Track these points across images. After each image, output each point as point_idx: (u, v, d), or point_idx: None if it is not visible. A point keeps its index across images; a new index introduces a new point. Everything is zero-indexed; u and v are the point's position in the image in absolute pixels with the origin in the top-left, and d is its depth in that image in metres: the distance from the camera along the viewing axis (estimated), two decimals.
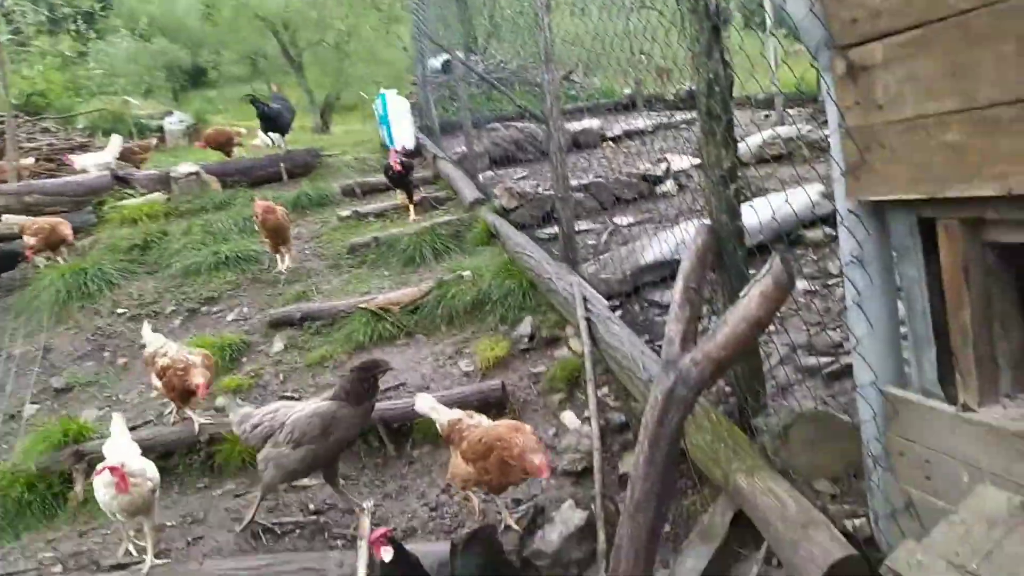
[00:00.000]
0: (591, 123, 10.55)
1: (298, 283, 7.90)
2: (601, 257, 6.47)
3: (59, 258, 9.08)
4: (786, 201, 4.85)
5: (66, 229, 8.98)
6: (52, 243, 8.95)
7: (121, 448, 4.29)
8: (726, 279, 3.86)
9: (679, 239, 5.61)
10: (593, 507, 4.00)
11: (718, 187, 3.70)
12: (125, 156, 12.66)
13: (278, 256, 8.09)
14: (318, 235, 9.17)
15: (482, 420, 4.15)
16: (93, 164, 11.75)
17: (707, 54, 3.50)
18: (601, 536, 3.87)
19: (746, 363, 3.94)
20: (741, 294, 3.21)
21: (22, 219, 9.44)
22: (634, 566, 3.37)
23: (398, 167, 8.81)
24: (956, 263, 2.37)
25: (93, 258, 9.03)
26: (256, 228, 8.27)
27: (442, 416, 4.25)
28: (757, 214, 3.91)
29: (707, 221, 3.79)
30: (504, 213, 7.84)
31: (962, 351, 2.43)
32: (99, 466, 4.04)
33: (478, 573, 3.40)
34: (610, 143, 10.37)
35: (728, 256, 3.77)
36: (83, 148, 14.60)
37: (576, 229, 6.75)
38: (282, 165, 11.48)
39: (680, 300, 3.58)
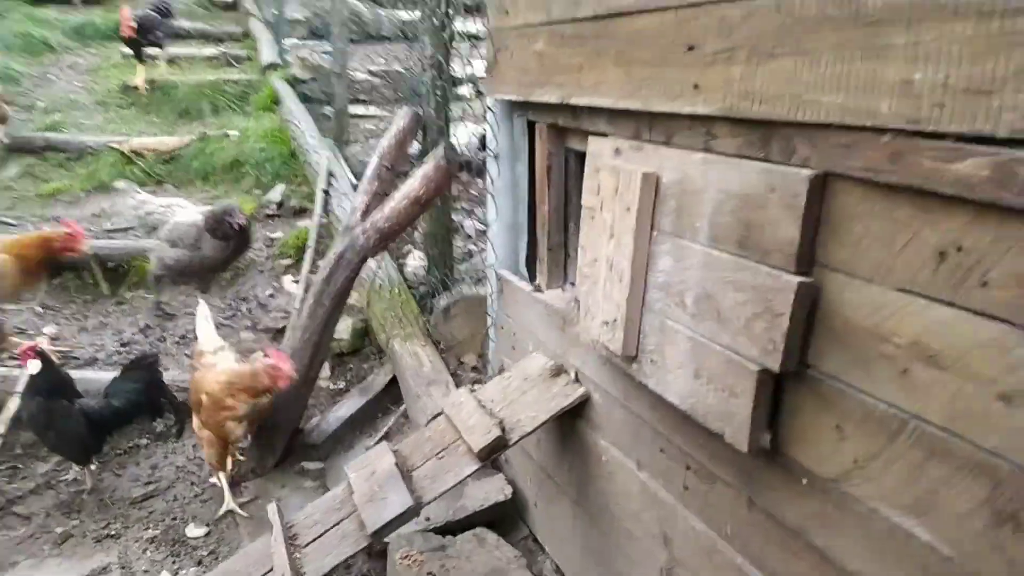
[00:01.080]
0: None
1: (57, 113, 7.36)
2: (371, 140, 6.58)
3: None
4: None
5: None
6: None
7: None
8: None
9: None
10: None
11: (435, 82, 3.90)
12: None
13: None
14: (95, 69, 8.52)
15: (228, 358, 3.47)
16: None
17: None
18: None
19: (438, 248, 4.27)
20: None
21: None
22: (284, 410, 3.67)
23: (130, 32, 7.66)
24: (543, 164, 2.73)
25: None
26: None
27: (201, 338, 3.64)
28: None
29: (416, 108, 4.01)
30: (295, 83, 7.68)
31: (540, 240, 2.84)
32: None
33: (133, 396, 3.54)
34: None
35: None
36: None
37: (354, 112, 6.80)
38: None
39: (371, 174, 3.81)
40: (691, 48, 1.79)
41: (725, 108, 1.71)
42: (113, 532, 3.30)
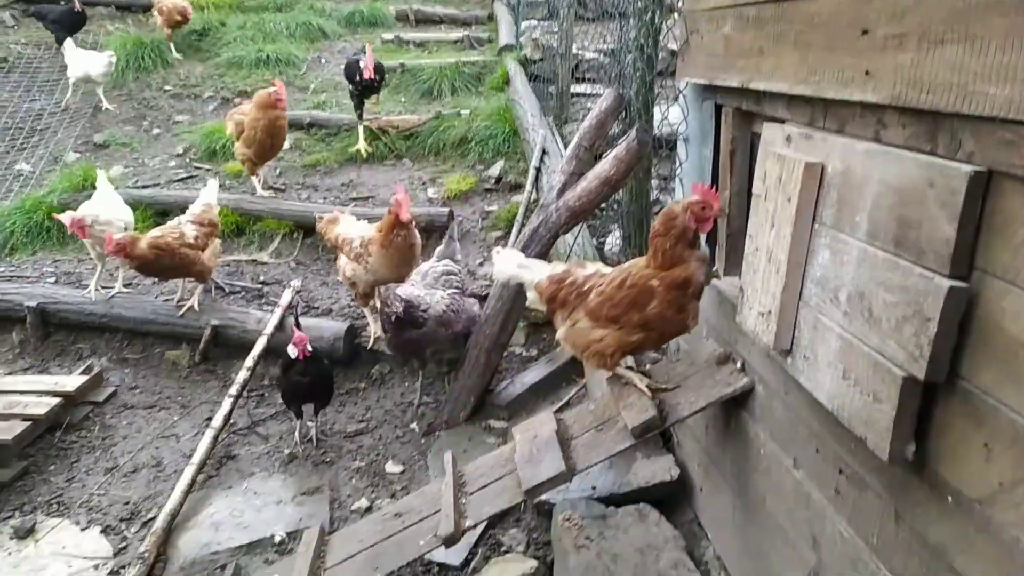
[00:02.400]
0: None
1: (324, 93, 8.42)
2: None
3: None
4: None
5: (188, 9, 9.31)
6: (174, 22, 9.20)
7: (100, 201, 5.04)
8: None
9: None
10: None
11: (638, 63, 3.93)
12: None
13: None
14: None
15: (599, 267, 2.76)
16: None
17: None
18: None
19: (635, 226, 4.32)
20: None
21: None
22: (474, 366, 4.01)
23: (371, 74, 6.58)
24: (726, 147, 2.69)
25: (157, 35, 9.68)
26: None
27: (536, 274, 2.83)
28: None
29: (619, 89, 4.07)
30: (526, 63, 8.03)
31: (720, 225, 2.81)
32: (65, 214, 4.82)
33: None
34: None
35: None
36: None
37: (576, 91, 6.98)
38: None
39: (570, 154, 3.97)
40: (864, 32, 1.70)
41: (894, 96, 1.61)
42: (328, 459, 3.85)
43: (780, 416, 2.32)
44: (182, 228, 4.72)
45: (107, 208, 4.96)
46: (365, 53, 6.71)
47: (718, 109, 2.78)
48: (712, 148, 2.86)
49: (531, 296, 2.83)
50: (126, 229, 4.91)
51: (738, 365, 2.60)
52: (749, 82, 2.31)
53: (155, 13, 9.31)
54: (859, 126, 1.82)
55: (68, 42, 8.23)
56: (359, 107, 6.82)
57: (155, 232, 4.65)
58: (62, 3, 9.32)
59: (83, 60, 8.12)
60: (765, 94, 2.31)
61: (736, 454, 2.68)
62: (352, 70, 6.68)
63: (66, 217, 4.76)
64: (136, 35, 9.60)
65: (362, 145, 6.82)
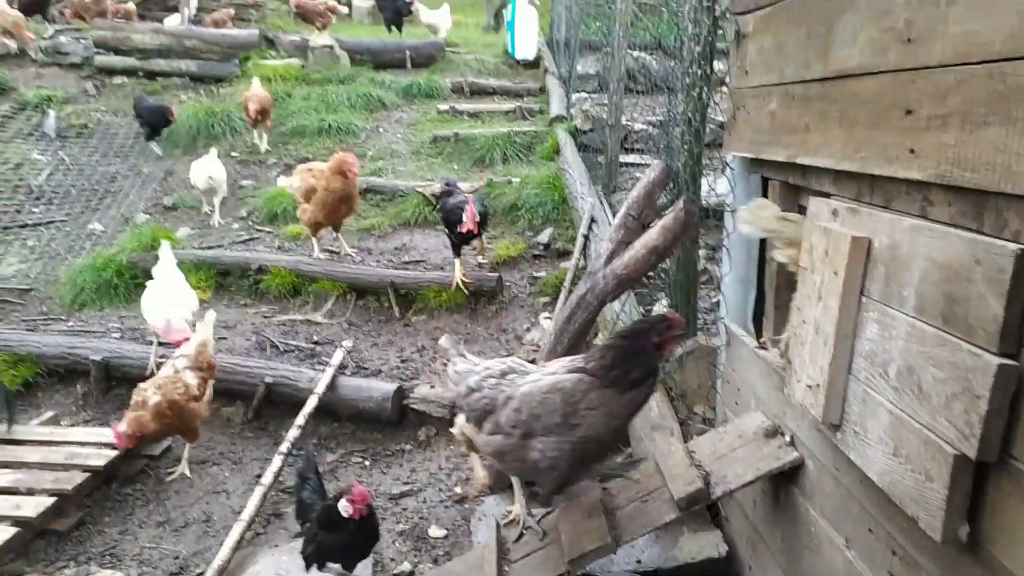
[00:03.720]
0: None
1: (381, 160, 8.74)
2: None
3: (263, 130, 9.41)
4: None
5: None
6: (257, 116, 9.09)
7: (164, 272, 5.08)
8: None
9: None
10: None
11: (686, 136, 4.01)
12: (307, 13, 12.89)
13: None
14: (415, 123, 9.92)
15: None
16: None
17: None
18: None
19: (681, 295, 4.34)
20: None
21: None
22: None
23: (472, 226, 5.60)
24: None
25: (225, 107, 10.24)
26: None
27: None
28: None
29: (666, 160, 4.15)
30: (576, 133, 8.24)
31: (768, 296, 2.82)
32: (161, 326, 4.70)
33: None
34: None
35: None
36: None
37: (624, 160, 7.12)
38: (407, 52, 12.22)
39: (618, 223, 4.03)
40: (908, 112, 1.74)
41: (939, 175, 1.64)
42: None
43: (831, 492, 2.27)
44: (183, 378, 4.18)
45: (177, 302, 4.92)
46: (467, 204, 5.60)
47: (764, 181, 2.83)
48: None
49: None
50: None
51: (787, 439, 2.57)
52: (795, 157, 2.36)
53: (243, 103, 9.19)
54: (905, 202, 1.84)
55: (194, 164, 7.71)
56: (457, 250, 5.89)
57: (151, 393, 4.03)
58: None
59: (204, 168, 7.48)
60: (811, 168, 2.35)
61: (786, 531, 2.62)
62: (452, 216, 5.68)
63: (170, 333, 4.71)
64: (208, 104, 10.18)
65: (458, 276, 5.78)
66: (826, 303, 2.00)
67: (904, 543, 1.88)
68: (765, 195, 2.81)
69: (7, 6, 11.41)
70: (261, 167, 8.98)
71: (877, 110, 1.87)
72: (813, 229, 2.12)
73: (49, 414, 4.82)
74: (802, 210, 2.67)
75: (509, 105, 10.38)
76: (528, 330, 5.39)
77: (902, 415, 1.72)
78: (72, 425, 4.78)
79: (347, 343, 5.19)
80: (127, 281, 6.38)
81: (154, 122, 9.05)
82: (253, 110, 8.87)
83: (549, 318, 5.34)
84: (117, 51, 10.93)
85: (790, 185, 2.63)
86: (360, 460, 4.42)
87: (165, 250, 5.34)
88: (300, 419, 4.30)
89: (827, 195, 2.22)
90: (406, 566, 3.53)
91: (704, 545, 3.18)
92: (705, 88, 3.75)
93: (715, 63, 3.75)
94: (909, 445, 1.69)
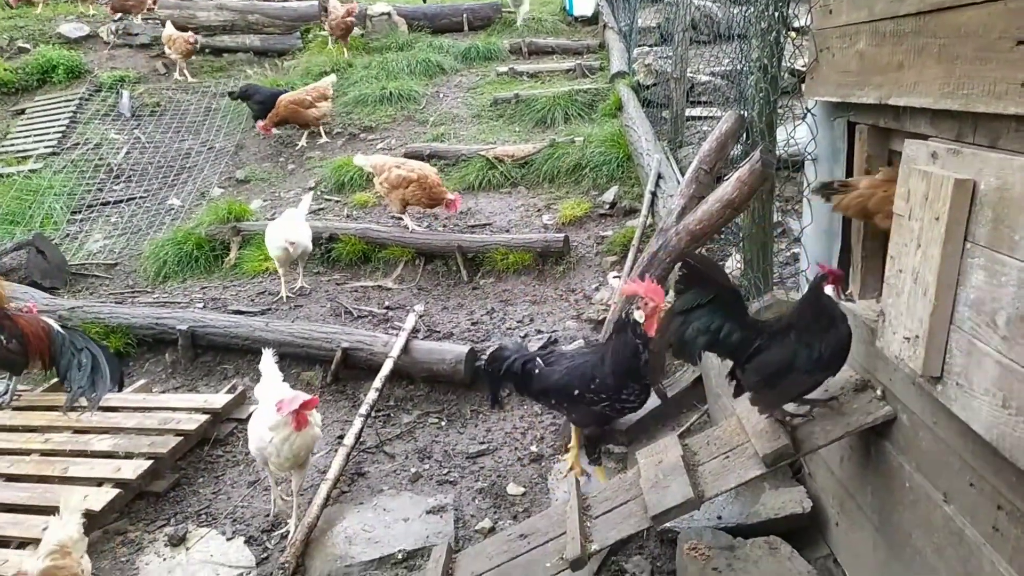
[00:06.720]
0: None
1: (443, 125, 8.75)
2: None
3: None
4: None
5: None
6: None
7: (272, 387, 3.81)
8: None
9: None
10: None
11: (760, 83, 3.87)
12: None
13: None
14: (474, 87, 9.87)
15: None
16: None
17: None
18: None
19: (756, 250, 4.23)
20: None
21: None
22: None
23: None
24: (860, 166, 2.61)
25: (290, 79, 10.39)
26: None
27: None
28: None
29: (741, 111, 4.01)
30: (639, 89, 8.05)
31: (855, 247, 2.71)
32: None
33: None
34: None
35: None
36: None
37: (691, 114, 6.92)
38: (464, 16, 12.12)
39: (689, 178, 3.95)
40: (1020, 43, 1.62)
41: None
42: (451, 479, 3.94)
43: (928, 447, 2.19)
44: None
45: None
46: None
47: (851, 127, 2.70)
48: (844, 167, 2.77)
49: None
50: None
51: (878, 392, 2.48)
52: (887, 98, 2.24)
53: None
54: (1015, 140, 1.72)
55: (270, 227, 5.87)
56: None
57: None
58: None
59: (281, 232, 5.65)
60: (905, 110, 2.23)
61: (877, 487, 2.55)
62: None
63: None
64: (273, 78, 10.34)
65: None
66: (926, 251, 1.91)
67: (1012, 497, 1.80)
68: (851, 141, 2.68)
69: None
70: (327, 136, 9.09)
71: (984, 42, 1.75)
72: (910, 173, 2.02)
73: (141, 382, 5.05)
74: (892, 154, 2.55)
75: (569, 64, 10.22)
76: (597, 289, 5.36)
77: (1013, 365, 1.63)
78: (163, 392, 5.01)
79: (419, 307, 5.25)
80: (207, 253, 6.61)
81: (270, 105, 8.94)
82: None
83: (618, 277, 5.29)
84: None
85: (880, 129, 2.51)
86: (436, 421, 4.50)
87: (268, 361, 4.00)
88: (377, 382, 4.40)
89: (924, 137, 2.10)
90: (487, 522, 3.59)
91: (787, 501, 3.14)
92: (782, 32, 3.59)
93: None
94: (1020, 396, 1.61)
